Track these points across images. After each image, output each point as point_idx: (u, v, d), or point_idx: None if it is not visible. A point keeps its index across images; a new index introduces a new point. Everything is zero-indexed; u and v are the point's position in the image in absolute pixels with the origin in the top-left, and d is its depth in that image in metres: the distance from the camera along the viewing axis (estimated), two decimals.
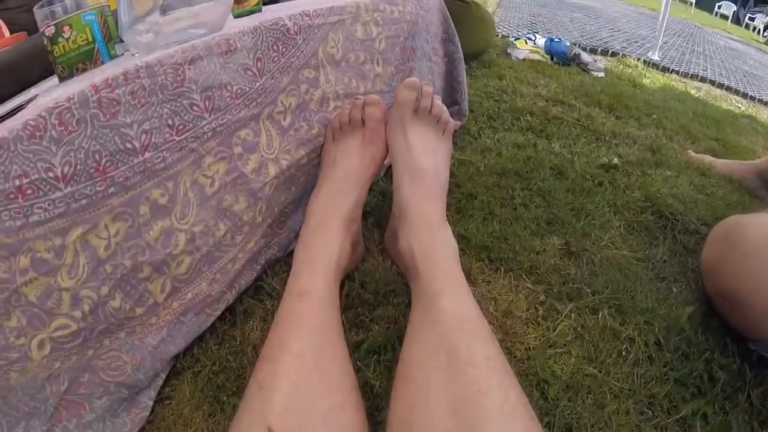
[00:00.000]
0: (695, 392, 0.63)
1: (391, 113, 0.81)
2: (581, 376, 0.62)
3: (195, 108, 0.61)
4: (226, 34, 0.65)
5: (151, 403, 0.60)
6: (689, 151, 1.43)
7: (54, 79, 0.86)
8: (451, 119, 0.83)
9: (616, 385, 0.62)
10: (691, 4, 14.48)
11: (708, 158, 1.37)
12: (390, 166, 0.81)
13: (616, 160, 1.19)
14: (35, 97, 0.70)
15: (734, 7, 15.10)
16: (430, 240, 0.64)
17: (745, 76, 4.37)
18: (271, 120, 0.72)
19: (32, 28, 0.92)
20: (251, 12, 0.97)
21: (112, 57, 0.80)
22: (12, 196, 0.46)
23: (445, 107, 0.82)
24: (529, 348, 0.66)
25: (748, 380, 0.64)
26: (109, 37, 0.80)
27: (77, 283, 0.51)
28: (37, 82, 0.99)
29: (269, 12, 0.88)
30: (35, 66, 1.00)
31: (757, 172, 1.26)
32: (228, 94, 0.64)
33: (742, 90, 3.51)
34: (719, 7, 15.36)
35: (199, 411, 0.60)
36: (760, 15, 14.77)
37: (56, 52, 0.76)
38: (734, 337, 0.70)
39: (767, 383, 0.65)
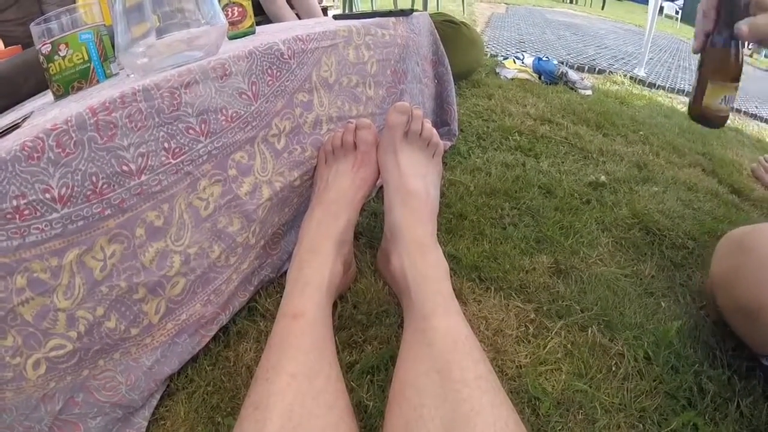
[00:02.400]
0: (685, 405, 0.64)
1: (382, 136, 0.82)
2: (572, 392, 0.63)
3: (191, 131, 0.62)
4: (222, 58, 0.66)
5: (145, 424, 0.60)
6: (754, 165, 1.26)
7: (48, 95, 0.86)
8: (440, 142, 0.85)
9: (607, 400, 0.63)
10: (677, 19, 14.72)
11: None
12: (381, 188, 0.83)
13: (603, 178, 1.21)
14: (30, 114, 0.71)
15: None
16: (422, 262, 0.66)
17: None
18: (265, 143, 0.73)
19: (26, 42, 0.93)
20: (245, 34, 0.99)
21: (107, 76, 0.81)
22: (9, 216, 0.47)
23: (434, 130, 0.84)
24: (520, 366, 0.67)
25: (738, 391, 0.65)
26: (105, 57, 0.81)
27: (73, 303, 0.52)
28: (30, 97, 0.99)
29: (263, 35, 0.90)
30: (29, 80, 1.01)
31: None
32: (223, 117, 0.66)
33: None
34: None
35: None
36: None
37: (52, 70, 0.76)
38: (723, 349, 0.71)
39: (757, 393, 0.65)
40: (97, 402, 0.56)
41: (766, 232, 0.65)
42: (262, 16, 2.51)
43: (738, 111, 3.47)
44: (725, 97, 0.76)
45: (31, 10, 2.24)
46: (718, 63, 0.75)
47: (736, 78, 0.75)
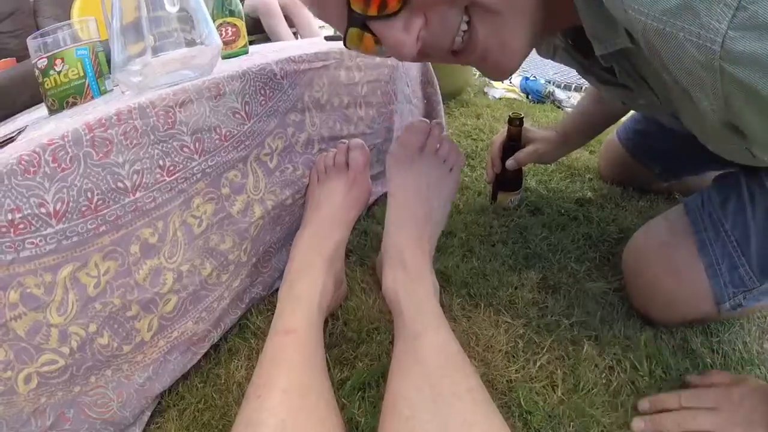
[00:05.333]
0: None
1: (395, 152, 0.79)
2: (563, 406, 0.64)
3: (185, 149, 0.63)
4: (216, 78, 0.67)
5: None
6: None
7: (42, 109, 0.87)
8: (460, 156, 0.82)
9: (599, 414, 0.63)
10: None
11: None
12: (373, 205, 0.83)
13: (590, 194, 1.22)
14: (25, 128, 0.72)
15: None
16: (414, 284, 0.67)
17: None
18: (258, 162, 0.74)
19: (21, 54, 0.93)
20: (238, 54, 1.00)
21: (102, 93, 0.82)
22: (4, 229, 0.47)
23: (455, 145, 0.82)
24: (511, 380, 0.68)
25: None
26: (100, 73, 0.82)
27: (66, 319, 0.52)
28: (24, 109, 1.00)
29: (257, 56, 0.91)
30: (23, 93, 1.01)
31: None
32: (217, 136, 0.67)
33: None
34: None
35: None
36: None
37: (47, 85, 0.77)
38: (713, 358, 0.72)
39: None
40: (88, 418, 0.55)
41: (629, 247, 0.82)
42: (256, 36, 2.54)
43: None
44: (512, 199, 1.11)
45: (27, 22, 2.25)
46: (505, 181, 1.11)
47: (518, 188, 1.12)
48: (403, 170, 0.77)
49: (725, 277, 0.67)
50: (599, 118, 1.09)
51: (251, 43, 1.06)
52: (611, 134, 1.27)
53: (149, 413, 0.63)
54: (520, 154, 1.08)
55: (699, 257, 0.68)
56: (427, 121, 0.79)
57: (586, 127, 1.12)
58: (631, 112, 1.15)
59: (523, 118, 1.10)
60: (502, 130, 1.14)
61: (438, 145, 0.79)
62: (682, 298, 0.71)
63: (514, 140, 1.10)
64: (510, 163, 1.08)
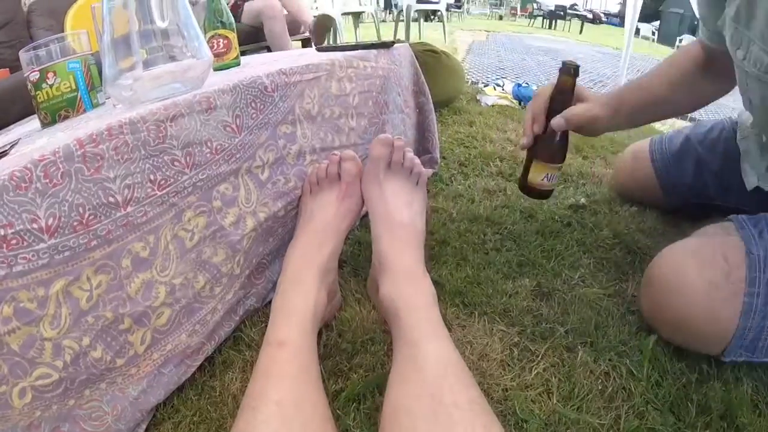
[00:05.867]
0: (675, 420, 0.64)
1: (366, 168, 0.84)
2: (559, 413, 0.64)
3: (176, 163, 0.63)
4: (207, 91, 0.68)
5: None
6: None
7: (35, 121, 0.87)
8: (423, 170, 0.86)
9: (595, 420, 0.63)
10: (653, 40, 15.10)
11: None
12: (366, 215, 0.84)
13: (583, 200, 1.23)
14: (17, 141, 0.72)
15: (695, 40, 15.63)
16: (410, 290, 0.67)
17: (709, 106, 4.52)
18: (249, 174, 0.74)
19: (14, 65, 0.94)
20: (230, 66, 1.01)
21: (94, 106, 0.82)
22: None
23: (417, 159, 0.86)
24: (506, 389, 0.68)
25: (731, 400, 0.66)
26: (92, 86, 0.82)
27: (59, 333, 0.52)
28: (16, 121, 1.00)
29: (248, 68, 0.92)
30: (16, 104, 1.01)
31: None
32: (208, 150, 0.67)
33: (705, 119, 3.62)
34: (681, 41, 15.96)
35: None
36: None
37: (40, 98, 0.77)
38: (709, 361, 0.72)
39: (746, 401, 0.66)
40: None
41: (657, 262, 0.77)
42: (248, 46, 2.55)
43: None
44: (549, 175, 0.90)
45: (20, 33, 2.25)
46: (544, 148, 0.89)
47: (560, 161, 0.90)
48: (377, 185, 0.81)
49: (745, 342, 0.68)
50: (661, 105, 0.92)
51: (243, 54, 1.07)
52: (639, 150, 1.23)
53: (144, 426, 0.62)
54: (571, 112, 0.87)
55: (740, 319, 0.67)
56: (389, 135, 0.83)
57: (642, 106, 0.92)
58: (672, 126, 1.11)
59: (579, 66, 0.88)
60: (551, 81, 0.92)
61: (402, 159, 0.83)
62: (700, 338, 0.71)
63: (566, 93, 0.88)
64: (557, 121, 0.87)
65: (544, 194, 0.94)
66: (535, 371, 0.70)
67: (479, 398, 0.52)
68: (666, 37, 15.88)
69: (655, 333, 0.76)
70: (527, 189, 0.93)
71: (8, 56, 2.06)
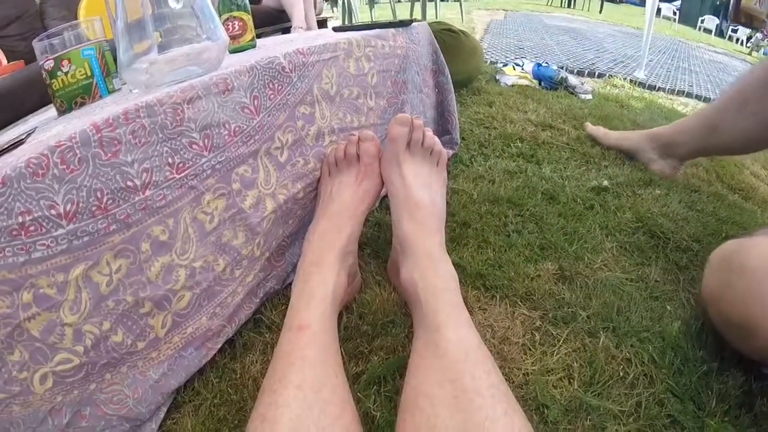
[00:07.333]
0: (695, 409, 0.63)
1: (385, 149, 0.83)
2: (580, 399, 0.63)
3: (194, 146, 0.62)
4: (224, 73, 0.67)
5: None
6: (587, 123, 1.61)
7: (51, 110, 0.87)
8: (443, 150, 0.85)
9: (616, 407, 0.62)
10: (675, 20, 14.73)
11: (602, 129, 1.52)
12: (385, 197, 0.83)
13: (606, 183, 1.21)
14: (34, 129, 0.72)
15: (717, 21, 15.22)
16: (431, 273, 0.66)
17: None
18: (268, 156, 0.73)
19: (29, 57, 0.94)
20: (246, 48, 1.00)
21: (110, 91, 0.82)
22: (15, 232, 0.47)
23: (437, 138, 0.84)
24: (527, 373, 0.67)
25: (752, 391, 0.65)
26: (107, 72, 0.81)
27: (79, 318, 0.52)
28: (32, 111, 1.00)
29: (264, 49, 0.91)
30: (32, 95, 1.02)
31: (650, 138, 1.33)
32: (226, 132, 0.66)
33: None
34: (702, 21, 15.51)
35: None
36: (742, 27, 14.97)
37: (55, 86, 0.77)
38: (732, 351, 0.70)
39: (765, 390, 0.65)
40: (105, 415, 0.56)
41: (753, 248, 0.66)
42: (264, 29, 2.53)
43: None
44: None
45: (34, 25, 2.27)
46: None
47: None
48: (396, 165, 0.80)
49: None
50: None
51: (259, 36, 1.05)
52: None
53: (165, 409, 0.63)
54: None
55: None
56: (408, 115, 0.82)
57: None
58: None
59: None
60: None
61: (422, 139, 0.82)
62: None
63: None
64: None
65: (754, 21, 0.91)
66: (557, 356, 0.69)
67: (500, 384, 0.51)
68: (687, 17, 15.47)
69: (670, 319, 0.73)
70: (739, 15, 0.88)
71: (23, 48, 2.07)
